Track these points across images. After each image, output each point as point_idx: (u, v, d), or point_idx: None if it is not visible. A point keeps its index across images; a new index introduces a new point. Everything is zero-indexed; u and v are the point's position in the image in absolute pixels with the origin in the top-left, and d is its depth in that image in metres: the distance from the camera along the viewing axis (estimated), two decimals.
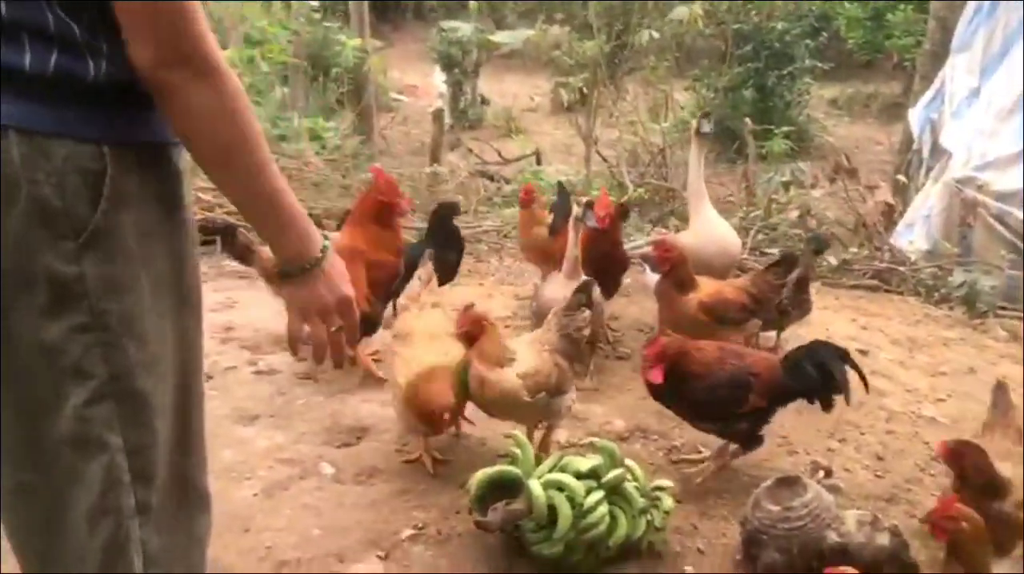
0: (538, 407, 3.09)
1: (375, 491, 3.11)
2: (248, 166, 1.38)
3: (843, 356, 3.16)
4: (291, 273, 1.48)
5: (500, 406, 3.14)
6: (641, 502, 2.82)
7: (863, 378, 3.16)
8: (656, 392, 3.21)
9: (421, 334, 3.33)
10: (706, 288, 3.92)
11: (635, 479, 2.91)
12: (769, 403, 3.18)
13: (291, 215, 1.44)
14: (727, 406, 3.14)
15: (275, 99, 10.71)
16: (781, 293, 4.09)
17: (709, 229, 4.46)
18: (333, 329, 1.53)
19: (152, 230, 1.40)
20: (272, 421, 3.61)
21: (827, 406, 3.16)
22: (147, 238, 1.40)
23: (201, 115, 1.32)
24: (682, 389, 3.14)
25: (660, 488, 2.95)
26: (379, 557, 2.75)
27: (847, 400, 3.13)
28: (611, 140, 9.98)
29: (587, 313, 3.33)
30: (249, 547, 2.82)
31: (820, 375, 3.13)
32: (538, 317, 3.81)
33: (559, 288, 3.81)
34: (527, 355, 3.13)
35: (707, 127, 4.50)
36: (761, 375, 3.15)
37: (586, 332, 3.34)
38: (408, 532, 2.89)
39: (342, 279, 1.52)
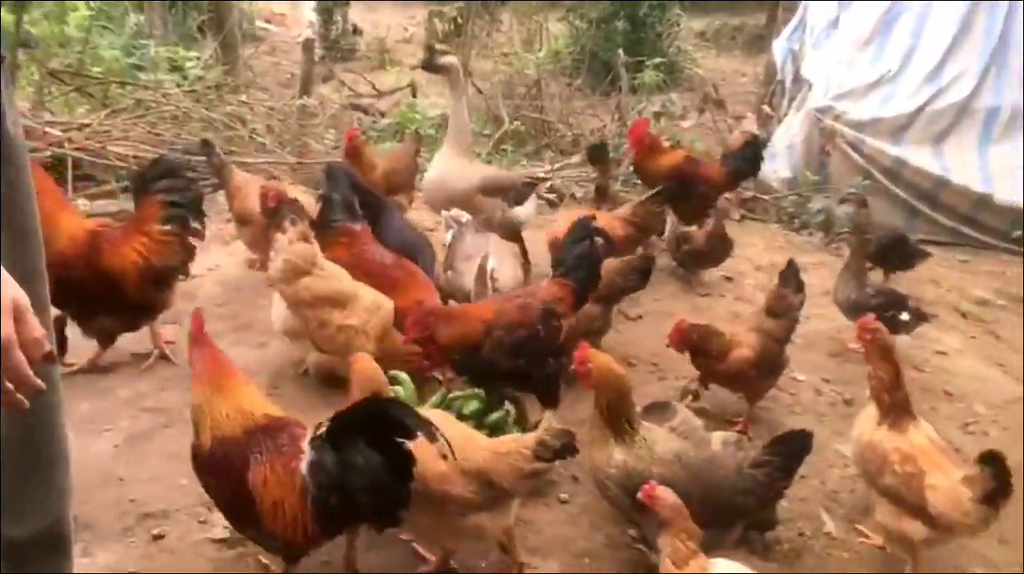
0: None
1: None
2: None
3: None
4: None
5: None
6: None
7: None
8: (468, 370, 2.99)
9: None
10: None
11: (518, 416, 2.94)
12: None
13: None
14: (546, 346, 2.96)
15: (129, 26, 10.01)
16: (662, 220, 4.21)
17: (439, 168, 4.38)
18: None
19: None
20: (134, 369, 3.44)
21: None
22: None
23: None
24: (491, 356, 2.89)
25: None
26: None
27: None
28: (486, 72, 9.84)
29: None
30: (111, 501, 2.71)
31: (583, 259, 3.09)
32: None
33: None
34: None
35: (438, 60, 4.43)
36: (559, 300, 3.04)
37: None
38: None
39: None
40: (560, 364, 2.97)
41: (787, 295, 3.46)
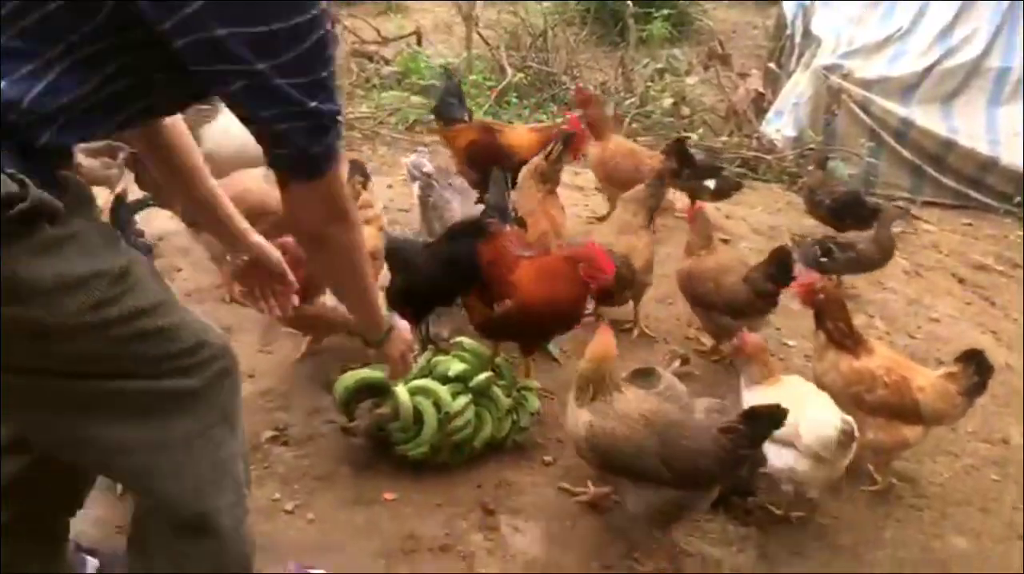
0: None
1: None
2: (365, 275, 1.82)
3: None
4: (377, 341, 2.10)
5: None
6: (507, 402, 2.87)
7: None
8: None
9: None
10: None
11: (503, 379, 2.95)
12: None
13: (377, 306, 2.01)
14: None
15: None
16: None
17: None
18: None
19: None
20: None
21: None
22: None
23: (345, 251, 1.70)
24: None
25: (527, 388, 3.00)
26: None
27: None
28: (492, 20, 9.67)
29: None
30: None
31: None
32: None
33: None
34: None
35: None
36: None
37: None
38: (269, 434, 2.87)
39: (403, 336, 2.17)
40: None
41: (759, 280, 3.38)
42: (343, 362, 3.04)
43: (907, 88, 6.55)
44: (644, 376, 2.88)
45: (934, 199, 6.43)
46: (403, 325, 2.16)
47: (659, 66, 6.81)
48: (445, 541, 2.57)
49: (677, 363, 3.42)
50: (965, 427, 3.44)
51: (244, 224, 2.01)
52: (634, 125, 6.21)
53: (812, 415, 2.64)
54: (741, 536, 2.72)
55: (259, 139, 1.47)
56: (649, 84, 6.73)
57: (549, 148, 3.85)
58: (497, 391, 2.86)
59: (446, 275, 3.01)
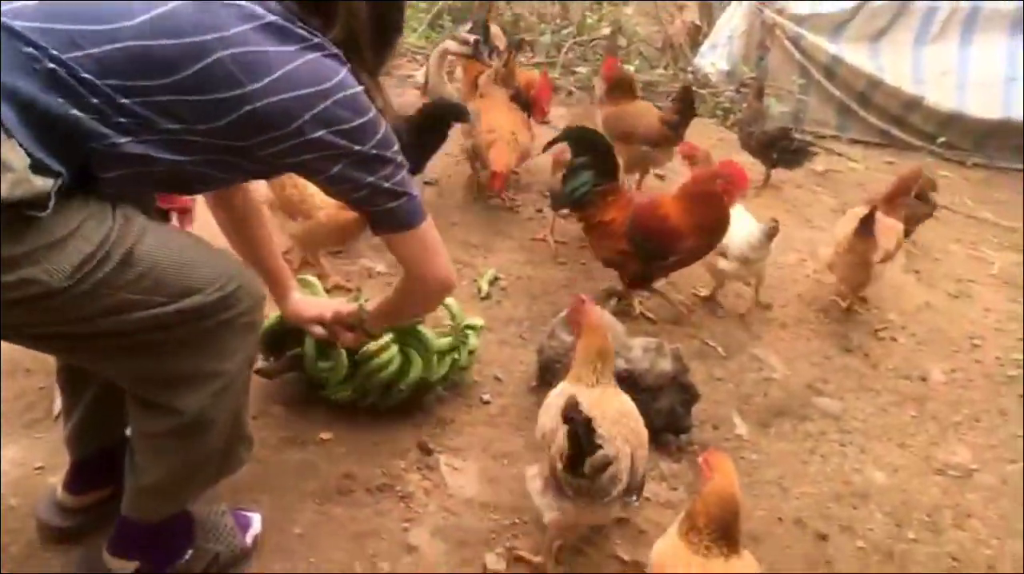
0: None
1: None
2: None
3: None
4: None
5: None
6: (440, 343, 2.81)
7: None
8: None
9: None
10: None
11: (452, 318, 2.88)
12: None
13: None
14: None
15: None
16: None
17: None
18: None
19: None
20: None
21: None
22: None
23: (441, 292, 2.14)
24: None
25: (471, 327, 2.95)
26: None
27: None
28: None
29: None
30: (18, 392, 2.64)
31: None
32: None
33: None
34: None
35: None
36: None
37: None
38: None
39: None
40: None
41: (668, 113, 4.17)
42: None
43: (837, 25, 6.59)
44: None
45: (859, 137, 6.56)
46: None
47: None
48: (382, 480, 2.55)
49: (614, 301, 3.43)
50: (886, 365, 3.56)
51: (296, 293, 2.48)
52: (570, 55, 6.09)
53: (738, 231, 3.39)
54: (674, 473, 2.77)
55: (364, 209, 1.81)
56: (587, 13, 6.60)
57: (506, 56, 4.34)
58: (425, 331, 2.79)
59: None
